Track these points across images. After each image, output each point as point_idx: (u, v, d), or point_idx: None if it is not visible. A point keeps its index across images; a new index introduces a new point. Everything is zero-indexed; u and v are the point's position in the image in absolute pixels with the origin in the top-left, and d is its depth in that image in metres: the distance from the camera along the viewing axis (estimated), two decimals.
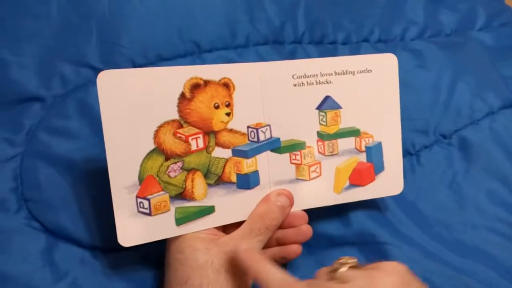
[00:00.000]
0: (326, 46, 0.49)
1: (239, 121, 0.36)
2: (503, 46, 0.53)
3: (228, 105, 0.35)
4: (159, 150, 0.33)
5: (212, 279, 0.32)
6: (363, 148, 0.40)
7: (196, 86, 0.34)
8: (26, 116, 0.42)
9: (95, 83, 0.42)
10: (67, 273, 0.38)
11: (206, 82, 0.34)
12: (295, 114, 0.38)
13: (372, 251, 0.41)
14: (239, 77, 0.36)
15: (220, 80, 0.35)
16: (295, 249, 0.38)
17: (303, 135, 0.38)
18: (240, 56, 0.46)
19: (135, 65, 0.44)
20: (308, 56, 0.48)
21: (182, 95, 0.34)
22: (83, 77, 0.43)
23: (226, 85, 0.35)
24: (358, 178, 0.40)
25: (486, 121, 0.48)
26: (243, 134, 0.36)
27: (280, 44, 0.48)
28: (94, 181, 0.40)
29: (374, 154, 0.40)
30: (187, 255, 0.33)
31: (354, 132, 0.39)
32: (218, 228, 0.36)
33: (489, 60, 0.52)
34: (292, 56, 0.48)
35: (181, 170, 0.34)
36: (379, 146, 0.40)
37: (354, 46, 0.50)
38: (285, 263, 0.40)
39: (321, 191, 0.39)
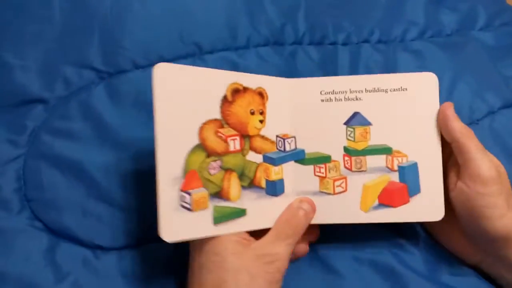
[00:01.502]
0: (327, 47, 0.49)
1: (269, 130, 0.38)
2: (504, 46, 0.53)
3: (261, 113, 0.37)
4: (202, 146, 0.34)
5: (246, 283, 0.32)
6: (396, 168, 0.38)
7: (237, 91, 0.36)
8: (29, 117, 0.42)
9: (97, 85, 0.43)
10: (69, 273, 0.38)
11: (245, 89, 0.36)
12: (322, 128, 0.39)
13: None
14: (272, 88, 0.38)
15: (256, 89, 0.37)
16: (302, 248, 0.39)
17: (329, 150, 0.38)
18: (241, 57, 0.47)
19: (136, 66, 0.44)
20: (308, 57, 0.49)
21: (225, 98, 0.35)
22: (86, 79, 0.43)
23: (261, 94, 0.37)
24: (388, 198, 0.38)
25: (486, 121, 0.48)
26: (272, 142, 0.38)
27: (281, 45, 0.49)
28: (97, 181, 0.40)
29: (408, 174, 0.38)
30: (224, 257, 0.33)
31: (385, 150, 0.38)
32: (247, 232, 0.36)
33: (490, 60, 0.51)
34: (292, 57, 0.48)
35: (220, 169, 0.35)
36: (414, 166, 0.38)
37: (354, 47, 0.50)
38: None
39: (346, 207, 0.38)
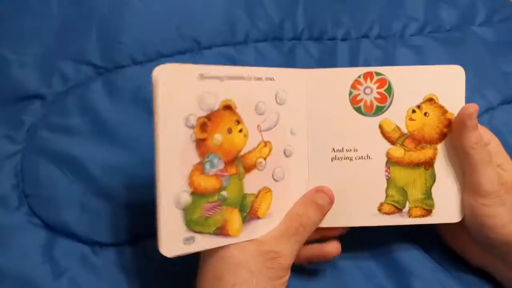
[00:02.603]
0: (326, 43, 0.49)
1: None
2: (504, 42, 0.53)
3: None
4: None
5: (245, 279, 0.32)
6: None
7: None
8: (26, 113, 0.42)
9: (95, 80, 0.43)
10: (67, 269, 0.38)
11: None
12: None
13: None
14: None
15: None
16: (334, 245, 0.37)
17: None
18: (240, 53, 0.46)
19: (134, 62, 0.44)
20: (308, 52, 0.48)
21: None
22: (84, 74, 0.43)
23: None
24: None
25: (486, 117, 0.48)
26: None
27: (280, 41, 0.48)
28: (95, 177, 0.40)
29: None
30: (225, 251, 0.32)
31: None
32: None
33: (489, 56, 0.51)
34: (291, 53, 0.48)
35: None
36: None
37: (354, 42, 0.50)
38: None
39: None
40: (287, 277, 0.34)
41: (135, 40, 0.44)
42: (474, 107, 0.35)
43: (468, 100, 0.48)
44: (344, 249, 0.38)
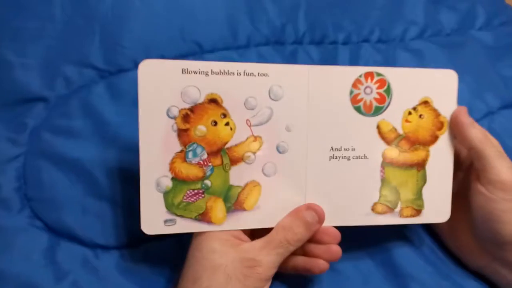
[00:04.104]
0: (327, 47, 0.50)
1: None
2: (503, 46, 0.54)
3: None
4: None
5: (221, 283, 0.32)
6: None
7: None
8: (29, 116, 0.42)
9: (98, 83, 0.43)
10: (69, 272, 0.38)
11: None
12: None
13: None
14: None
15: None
16: (320, 264, 0.36)
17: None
18: (242, 57, 0.47)
19: (137, 65, 0.44)
20: (309, 56, 0.49)
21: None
22: (86, 77, 0.43)
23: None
24: None
25: (485, 121, 0.48)
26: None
27: (281, 45, 0.49)
28: (97, 180, 0.40)
29: None
30: (204, 254, 0.33)
31: None
32: (245, 232, 0.36)
33: (489, 60, 0.52)
34: (293, 56, 0.48)
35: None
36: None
37: (354, 46, 0.50)
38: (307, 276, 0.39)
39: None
40: None
41: (138, 43, 0.44)
42: (463, 107, 0.36)
43: (468, 104, 0.48)
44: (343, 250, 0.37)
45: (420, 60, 0.50)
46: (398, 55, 0.50)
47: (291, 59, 0.48)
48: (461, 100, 0.48)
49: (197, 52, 0.46)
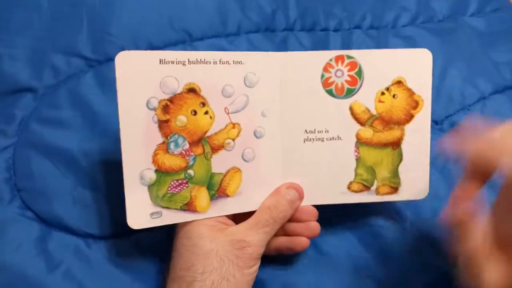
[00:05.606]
0: (318, 33, 0.49)
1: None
2: (495, 32, 0.53)
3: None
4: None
5: (215, 267, 0.33)
6: None
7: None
8: (18, 107, 0.42)
9: (86, 73, 0.43)
10: (61, 262, 0.38)
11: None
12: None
13: None
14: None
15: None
16: (301, 241, 0.38)
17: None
18: (232, 44, 0.46)
19: None
20: (300, 43, 0.48)
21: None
22: (75, 67, 0.43)
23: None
24: None
25: (477, 106, 0.48)
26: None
27: (272, 32, 0.48)
28: (87, 170, 0.40)
29: None
30: (194, 241, 0.34)
31: None
32: (228, 216, 0.36)
33: (481, 46, 0.51)
34: (284, 43, 0.48)
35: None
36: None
37: (346, 33, 0.50)
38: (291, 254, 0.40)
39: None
40: (256, 266, 0.35)
41: (126, 32, 0.44)
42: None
43: (460, 90, 0.48)
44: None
45: (412, 47, 0.50)
46: (390, 41, 0.50)
47: (282, 46, 0.48)
48: (454, 85, 0.48)
49: (187, 40, 0.45)
